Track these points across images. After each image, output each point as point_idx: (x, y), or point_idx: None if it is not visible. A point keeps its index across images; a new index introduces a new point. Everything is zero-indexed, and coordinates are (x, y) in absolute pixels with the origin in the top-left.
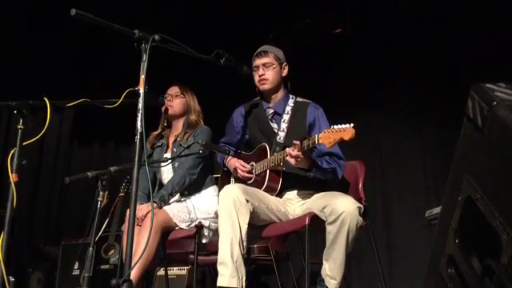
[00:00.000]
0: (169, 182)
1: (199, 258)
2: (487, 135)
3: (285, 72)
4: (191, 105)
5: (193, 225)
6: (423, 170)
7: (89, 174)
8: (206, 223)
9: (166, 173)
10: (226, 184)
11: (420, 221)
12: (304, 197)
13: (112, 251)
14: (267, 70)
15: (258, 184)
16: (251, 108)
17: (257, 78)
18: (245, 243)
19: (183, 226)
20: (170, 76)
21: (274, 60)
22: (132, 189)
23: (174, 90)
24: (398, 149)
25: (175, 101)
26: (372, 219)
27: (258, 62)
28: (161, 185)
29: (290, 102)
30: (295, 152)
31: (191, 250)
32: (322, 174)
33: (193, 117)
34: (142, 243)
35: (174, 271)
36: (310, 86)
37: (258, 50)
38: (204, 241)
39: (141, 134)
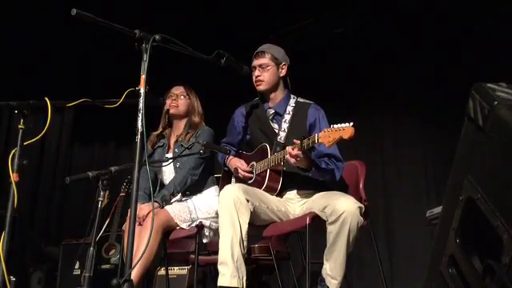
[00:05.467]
0: (171, 181)
1: (200, 257)
2: (488, 135)
3: (283, 72)
4: (195, 106)
5: (193, 225)
6: (424, 169)
7: (89, 173)
8: (206, 223)
9: (168, 173)
10: (226, 184)
11: (421, 221)
12: (304, 196)
13: (113, 251)
14: (263, 71)
15: (258, 184)
16: (252, 108)
17: (253, 79)
18: (245, 243)
19: (184, 225)
20: (170, 76)
21: (270, 61)
22: (133, 189)
23: (179, 89)
24: (398, 148)
25: (180, 101)
26: (373, 219)
27: (255, 62)
28: (162, 185)
29: (292, 103)
30: (295, 151)
31: (192, 250)
32: (320, 174)
33: (196, 119)
34: (142, 243)
35: (175, 271)
36: (310, 85)
37: (256, 50)
38: (205, 240)
39: (141, 133)
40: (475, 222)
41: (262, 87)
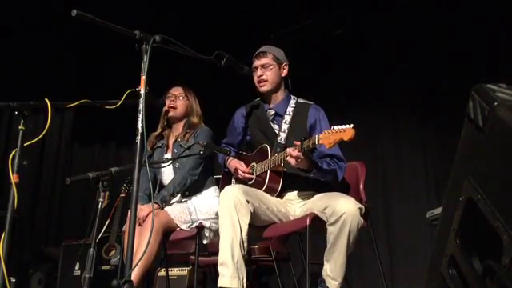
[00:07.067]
0: (170, 182)
1: (200, 258)
2: (488, 136)
3: (284, 72)
4: (194, 107)
5: (194, 225)
6: (424, 170)
7: (90, 174)
8: (206, 224)
9: (167, 174)
10: (226, 184)
11: (421, 221)
12: (305, 197)
13: (113, 252)
14: (265, 70)
15: (258, 185)
16: (252, 109)
17: (256, 80)
18: (245, 244)
19: (184, 226)
20: (170, 77)
21: (272, 61)
22: (133, 189)
23: (178, 90)
24: (398, 149)
25: (178, 102)
26: (373, 220)
27: (257, 63)
28: (161, 186)
29: (292, 103)
30: (295, 152)
31: (192, 251)
32: (321, 175)
33: (194, 119)
34: (143, 244)
35: (175, 272)
36: (310, 86)
37: (257, 51)
38: (205, 241)
39: (141, 134)
40: (475, 222)
41: (265, 87)
